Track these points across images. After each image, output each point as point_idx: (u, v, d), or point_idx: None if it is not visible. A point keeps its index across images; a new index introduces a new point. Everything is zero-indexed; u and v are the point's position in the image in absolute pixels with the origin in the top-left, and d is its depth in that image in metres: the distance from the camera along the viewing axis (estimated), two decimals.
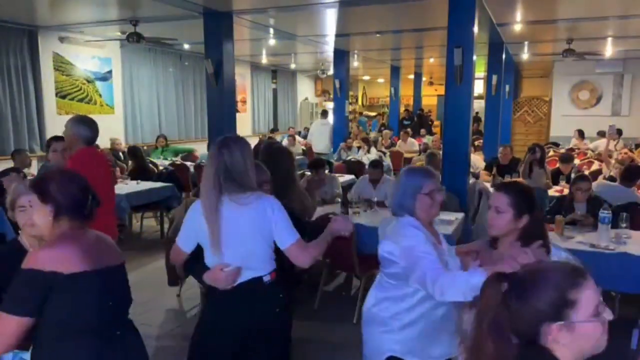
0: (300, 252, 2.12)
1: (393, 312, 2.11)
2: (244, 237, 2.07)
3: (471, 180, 5.78)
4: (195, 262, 2.16)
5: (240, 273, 2.07)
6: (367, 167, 6.37)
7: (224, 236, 2.04)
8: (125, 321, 1.88)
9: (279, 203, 2.15)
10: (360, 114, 18.51)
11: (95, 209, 1.82)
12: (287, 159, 3.44)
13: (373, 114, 18.72)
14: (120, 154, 8.85)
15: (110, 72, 9.77)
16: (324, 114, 11.48)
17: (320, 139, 10.90)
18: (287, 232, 2.11)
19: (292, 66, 15.19)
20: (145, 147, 9.46)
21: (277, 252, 2.18)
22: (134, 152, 7.46)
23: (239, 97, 12.91)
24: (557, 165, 6.98)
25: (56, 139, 3.98)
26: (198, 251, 2.17)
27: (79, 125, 3.20)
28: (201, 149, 10.41)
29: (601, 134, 10.59)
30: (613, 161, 7.16)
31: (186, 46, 10.53)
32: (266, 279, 2.12)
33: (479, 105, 12.58)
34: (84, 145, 3.19)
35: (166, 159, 9.38)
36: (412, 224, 2.07)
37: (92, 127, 3.24)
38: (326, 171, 5.98)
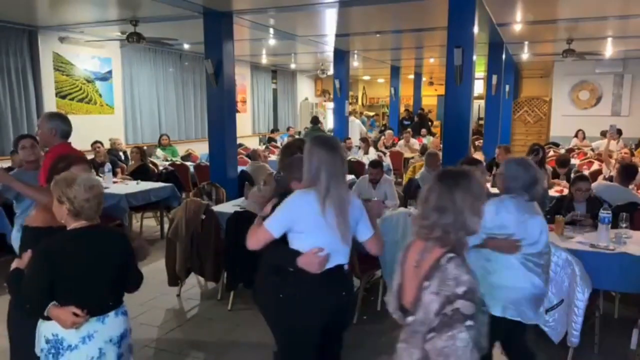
0: (376, 243, 2.40)
1: None
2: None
3: None
4: (278, 247, 2.32)
5: (329, 259, 2.25)
6: (366, 167, 6.37)
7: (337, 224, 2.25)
8: None
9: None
10: (361, 113, 18.50)
11: None
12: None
13: (372, 113, 18.72)
14: (121, 153, 8.85)
15: (110, 72, 9.77)
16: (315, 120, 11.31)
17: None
18: (367, 227, 2.37)
19: (292, 66, 15.20)
20: (145, 147, 9.45)
21: None
22: (140, 153, 7.46)
23: (239, 97, 12.91)
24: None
25: (23, 136, 4.02)
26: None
27: (54, 119, 3.17)
28: (201, 149, 10.41)
29: (604, 134, 10.58)
30: (613, 161, 7.16)
31: (186, 46, 10.54)
32: (346, 267, 2.35)
33: (479, 105, 12.60)
34: (61, 139, 3.15)
35: (166, 159, 9.39)
36: None
37: (66, 121, 3.24)
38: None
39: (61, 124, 3.18)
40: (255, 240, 2.33)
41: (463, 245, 1.64)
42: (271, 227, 2.28)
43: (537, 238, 2.55)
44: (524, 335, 2.75)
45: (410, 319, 1.61)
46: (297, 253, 2.25)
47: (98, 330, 2.13)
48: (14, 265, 2.18)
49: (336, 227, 2.20)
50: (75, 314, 2.05)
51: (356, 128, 12.52)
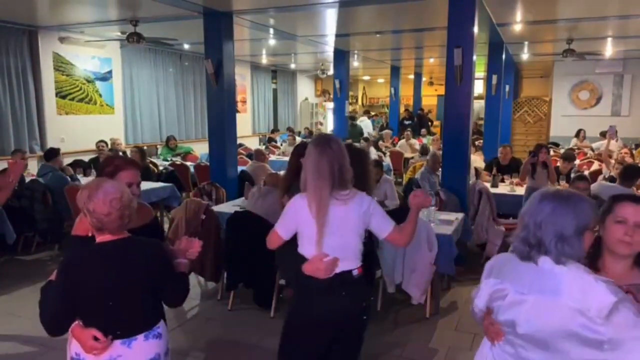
0: (399, 235, 2.31)
1: None
2: (343, 230, 2.22)
3: (471, 181, 5.78)
4: (287, 254, 2.32)
5: (337, 264, 2.20)
6: None
7: (327, 229, 2.19)
8: None
9: (373, 198, 2.37)
10: (376, 115, 18.47)
11: None
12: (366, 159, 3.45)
13: (372, 113, 18.72)
14: (120, 153, 8.85)
15: (110, 72, 9.77)
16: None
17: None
18: (385, 222, 2.31)
19: (292, 66, 15.20)
20: (145, 147, 9.46)
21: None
22: (140, 153, 7.46)
23: (239, 97, 12.92)
24: (557, 164, 6.98)
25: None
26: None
27: None
28: (201, 148, 10.41)
29: (604, 135, 10.58)
30: (613, 161, 7.16)
31: (186, 46, 10.54)
32: (355, 272, 2.26)
33: (479, 105, 12.60)
34: None
35: (166, 159, 9.39)
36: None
37: None
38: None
39: None
40: (269, 240, 2.37)
41: None
42: (278, 228, 2.31)
43: None
44: None
45: None
46: (302, 258, 2.24)
47: (122, 355, 1.92)
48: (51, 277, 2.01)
49: (319, 230, 2.17)
50: (96, 338, 1.86)
51: (367, 129, 12.86)
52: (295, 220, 2.27)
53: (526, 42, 10.02)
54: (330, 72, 12.96)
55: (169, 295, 2.06)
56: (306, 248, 2.25)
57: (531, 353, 1.54)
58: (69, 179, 6.21)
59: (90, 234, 1.98)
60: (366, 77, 19.07)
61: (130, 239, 1.97)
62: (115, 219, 1.87)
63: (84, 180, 6.53)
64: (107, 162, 2.35)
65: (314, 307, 2.24)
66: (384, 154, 10.63)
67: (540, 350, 1.51)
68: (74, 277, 1.87)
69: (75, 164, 7.42)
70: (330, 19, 7.78)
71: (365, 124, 13.87)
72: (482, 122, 12.16)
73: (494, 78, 9.78)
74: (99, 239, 1.93)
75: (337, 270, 2.21)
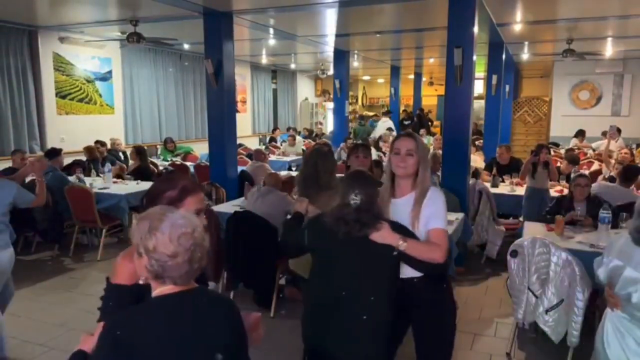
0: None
1: None
2: None
3: (471, 181, 5.78)
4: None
5: None
6: None
7: None
8: None
9: None
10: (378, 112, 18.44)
11: None
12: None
13: (372, 113, 18.71)
14: (120, 154, 8.86)
15: (110, 72, 9.77)
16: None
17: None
18: None
19: (292, 66, 15.19)
20: (145, 147, 9.46)
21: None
22: (139, 152, 7.45)
23: (239, 97, 12.92)
24: (557, 164, 6.99)
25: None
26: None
27: None
28: (201, 149, 10.41)
29: (605, 134, 10.57)
30: (613, 161, 7.16)
31: (186, 46, 10.53)
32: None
33: (479, 105, 12.58)
34: None
35: (166, 159, 9.39)
36: None
37: None
38: None
39: None
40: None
41: None
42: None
43: None
44: None
45: None
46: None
47: None
48: (80, 344, 1.49)
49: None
50: None
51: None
52: None
53: (526, 42, 10.02)
54: (330, 72, 12.95)
55: None
56: None
57: None
58: (76, 179, 6.20)
59: (140, 282, 1.47)
60: (366, 77, 19.06)
61: (202, 291, 1.47)
62: (182, 263, 1.37)
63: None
64: (169, 182, 1.74)
65: None
66: (384, 154, 10.63)
67: None
68: (125, 350, 1.32)
69: (75, 164, 7.41)
70: (330, 19, 7.77)
71: (387, 125, 13.19)
72: (482, 122, 12.15)
73: (494, 78, 9.78)
74: (158, 290, 1.41)
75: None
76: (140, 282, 1.44)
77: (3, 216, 3.22)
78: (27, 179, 5.72)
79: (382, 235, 2.10)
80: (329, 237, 2.15)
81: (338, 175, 3.45)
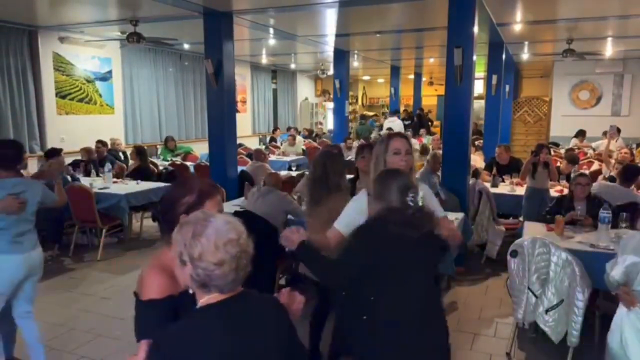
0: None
1: None
2: None
3: (471, 181, 5.78)
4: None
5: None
6: None
7: None
8: None
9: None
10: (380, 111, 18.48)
11: None
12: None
13: (371, 113, 18.71)
14: (120, 154, 8.86)
15: (110, 72, 9.77)
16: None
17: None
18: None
19: (292, 66, 15.20)
20: (145, 147, 9.46)
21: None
22: (139, 152, 7.44)
23: (239, 97, 12.92)
24: (557, 163, 6.98)
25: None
26: None
27: None
28: (201, 148, 10.41)
29: (606, 134, 10.56)
30: (613, 161, 7.16)
31: (186, 46, 10.53)
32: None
33: (479, 105, 12.58)
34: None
35: (166, 159, 9.38)
36: None
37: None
38: None
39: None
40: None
41: None
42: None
43: None
44: None
45: None
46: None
47: None
48: None
49: None
50: None
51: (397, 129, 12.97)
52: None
53: (526, 42, 10.02)
54: (330, 72, 12.95)
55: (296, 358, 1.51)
56: None
57: None
58: (69, 178, 6.20)
59: (169, 295, 1.43)
60: (366, 77, 19.06)
61: (246, 294, 1.38)
62: (228, 272, 1.29)
63: (84, 180, 6.52)
64: (185, 188, 1.66)
65: None
66: None
67: None
68: None
69: (75, 164, 7.41)
70: (330, 19, 7.78)
71: (396, 125, 12.98)
72: (482, 122, 12.15)
73: (494, 78, 9.78)
74: (204, 300, 1.33)
75: None
76: (190, 291, 1.36)
77: (32, 215, 3.22)
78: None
79: (449, 227, 2.14)
80: (395, 246, 1.97)
81: (348, 176, 3.47)
